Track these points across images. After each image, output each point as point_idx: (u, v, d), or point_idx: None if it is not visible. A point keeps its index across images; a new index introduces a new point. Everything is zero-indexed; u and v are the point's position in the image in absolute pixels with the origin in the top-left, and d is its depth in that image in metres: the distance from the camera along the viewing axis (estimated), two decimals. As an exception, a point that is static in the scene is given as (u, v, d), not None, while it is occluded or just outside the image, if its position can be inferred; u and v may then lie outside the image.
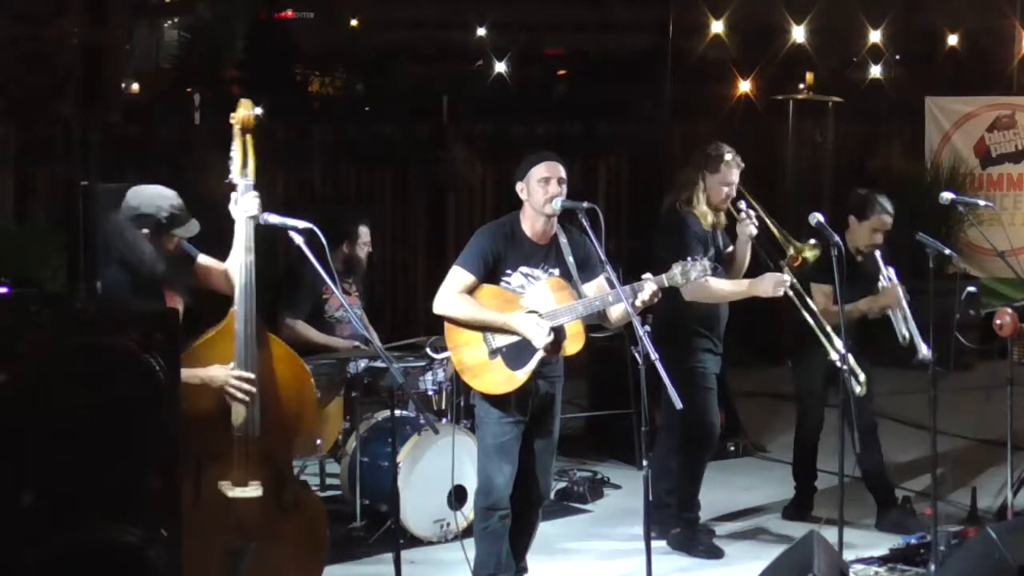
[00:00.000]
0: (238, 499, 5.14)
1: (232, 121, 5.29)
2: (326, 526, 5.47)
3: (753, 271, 6.64)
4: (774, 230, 6.60)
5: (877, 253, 6.90)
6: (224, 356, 5.17)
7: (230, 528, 5.16)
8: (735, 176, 6.59)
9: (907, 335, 6.77)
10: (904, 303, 6.79)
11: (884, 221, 6.90)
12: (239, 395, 5.11)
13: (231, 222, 5.26)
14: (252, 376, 5.14)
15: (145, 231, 5.23)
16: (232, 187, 5.27)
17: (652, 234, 6.80)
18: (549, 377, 5.80)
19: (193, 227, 5.33)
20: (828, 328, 6.51)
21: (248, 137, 5.29)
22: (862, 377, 6.58)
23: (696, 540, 6.70)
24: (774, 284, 6.38)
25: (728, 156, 6.58)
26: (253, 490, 5.15)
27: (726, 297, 6.58)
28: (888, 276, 6.87)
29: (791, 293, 6.50)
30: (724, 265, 6.62)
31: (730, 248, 6.71)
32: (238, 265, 5.20)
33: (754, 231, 6.55)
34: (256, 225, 5.22)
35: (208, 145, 10.19)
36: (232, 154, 5.28)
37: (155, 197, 5.30)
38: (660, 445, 6.91)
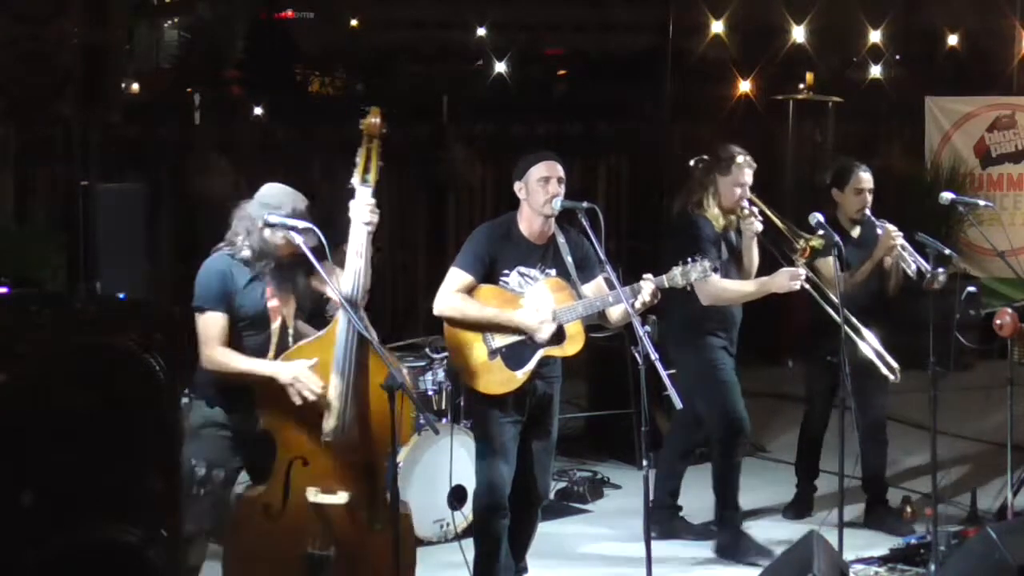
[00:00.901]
0: (320, 505, 5.15)
1: (361, 127, 5.35)
2: (413, 551, 5.39)
3: (766, 269, 6.61)
4: (780, 224, 6.57)
5: (868, 213, 6.90)
6: (322, 362, 5.18)
7: (312, 534, 5.17)
8: (747, 177, 6.55)
9: (915, 266, 6.72)
10: (900, 239, 6.75)
11: (863, 179, 6.92)
12: (303, 394, 5.11)
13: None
14: (322, 384, 5.13)
15: (260, 222, 5.28)
16: (351, 191, 5.30)
17: (662, 237, 6.78)
18: (547, 378, 5.80)
19: (310, 238, 5.26)
20: (852, 319, 6.51)
21: (374, 144, 5.33)
22: (895, 364, 6.59)
23: (744, 546, 6.63)
24: (789, 278, 6.36)
25: (740, 158, 6.55)
26: (337, 498, 5.16)
27: (742, 297, 6.57)
28: (881, 226, 6.85)
29: (807, 286, 6.48)
30: (735, 266, 6.60)
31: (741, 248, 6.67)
32: (350, 270, 5.21)
33: (759, 228, 6.53)
34: (369, 233, 5.26)
35: (208, 145, 10.22)
36: (356, 159, 5.32)
37: (283, 192, 5.40)
38: (669, 447, 6.91)
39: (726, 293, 6.50)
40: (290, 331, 5.37)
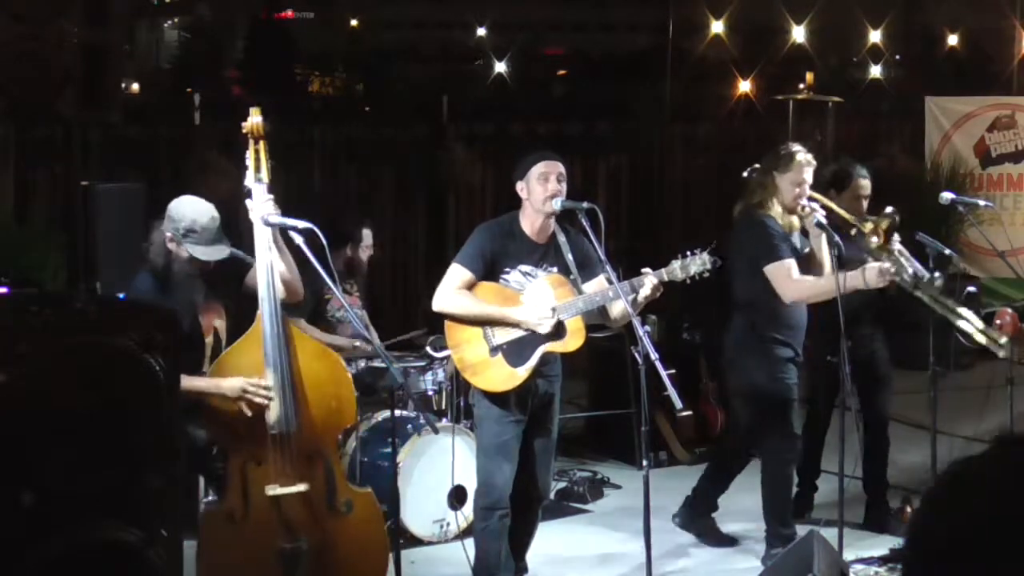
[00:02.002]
0: (282, 497, 5.19)
1: (244, 130, 5.41)
2: (384, 527, 5.43)
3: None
4: (844, 215, 6.46)
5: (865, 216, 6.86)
6: (253, 360, 5.24)
7: (280, 530, 5.20)
8: (807, 175, 6.36)
9: (911, 271, 6.62)
10: (896, 243, 6.62)
11: (862, 185, 6.82)
12: (258, 400, 5.19)
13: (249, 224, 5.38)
14: (268, 383, 5.20)
15: (168, 235, 5.37)
16: (249, 192, 5.37)
17: (729, 242, 6.56)
18: (548, 376, 5.81)
19: (214, 252, 5.36)
20: (953, 305, 6.47)
21: (261, 144, 5.39)
22: (1002, 339, 6.48)
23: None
24: (878, 274, 6.14)
25: (799, 155, 6.38)
26: (295, 487, 5.20)
27: (826, 292, 6.21)
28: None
29: (896, 279, 6.27)
30: (808, 265, 6.40)
31: (807, 249, 6.46)
32: (262, 265, 5.26)
33: (822, 219, 6.25)
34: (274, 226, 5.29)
35: (208, 145, 10.21)
36: (247, 161, 5.38)
37: (185, 206, 5.43)
38: (738, 446, 6.85)
39: (811, 288, 6.22)
40: (223, 342, 5.42)
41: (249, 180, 5.36)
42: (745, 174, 6.58)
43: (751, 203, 6.46)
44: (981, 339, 6.52)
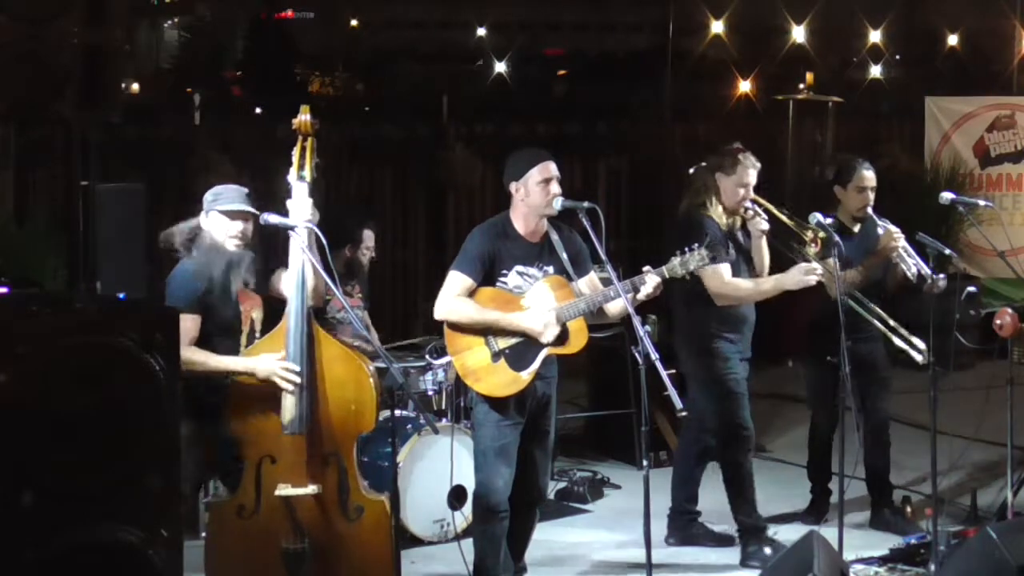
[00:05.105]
0: (291, 498, 5.20)
1: (293, 126, 5.44)
2: (392, 537, 5.37)
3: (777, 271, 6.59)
4: (786, 220, 6.52)
5: (870, 211, 6.89)
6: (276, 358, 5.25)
7: (286, 530, 5.22)
8: (751, 177, 6.47)
9: (915, 271, 6.70)
10: (901, 240, 6.72)
11: (865, 177, 6.88)
12: (285, 384, 5.19)
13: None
14: (297, 368, 5.21)
15: (201, 217, 5.45)
16: (289, 190, 5.37)
17: (666, 239, 6.70)
18: (546, 378, 5.81)
19: (239, 206, 5.49)
20: (874, 307, 6.55)
21: (308, 142, 5.39)
22: (921, 345, 6.56)
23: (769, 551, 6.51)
24: (803, 272, 6.30)
25: (743, 158, 6.48)
26: (305, 489, 5.21)
27: (758, 296, 6.49)
28: (883, 226, 6.83)
29: (823, 279, 6.39)
30: (746, 266, 6.54)
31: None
32: (294, 265, 5.27)
33: (765, 226, 6.47)
34: (310, 230, 5.31)
35: (208, 145, 10.21)
36: (292, 156, 5.39)
37: (220, 186, 5.55)
38: (681, 452, 6.87)
39: (739, 291, 6.42)
40: (256, 334, 5.43)
41: (291, 177, 5.36)
42: (692, 170, 6.65)
43: (694, 203, 6.55)
44: (902, 344, 6.63)
